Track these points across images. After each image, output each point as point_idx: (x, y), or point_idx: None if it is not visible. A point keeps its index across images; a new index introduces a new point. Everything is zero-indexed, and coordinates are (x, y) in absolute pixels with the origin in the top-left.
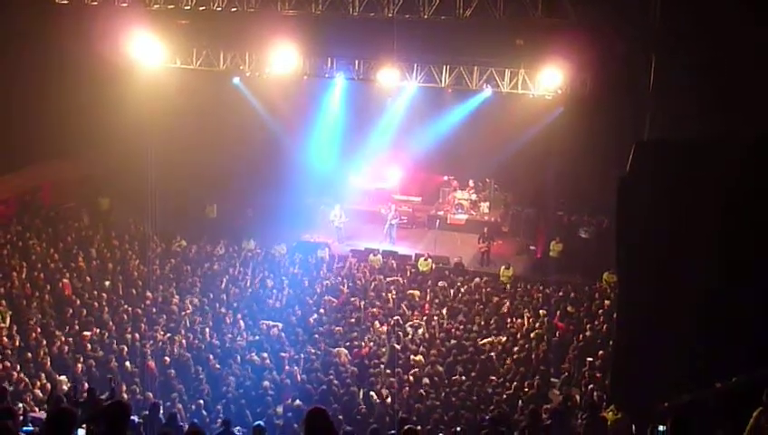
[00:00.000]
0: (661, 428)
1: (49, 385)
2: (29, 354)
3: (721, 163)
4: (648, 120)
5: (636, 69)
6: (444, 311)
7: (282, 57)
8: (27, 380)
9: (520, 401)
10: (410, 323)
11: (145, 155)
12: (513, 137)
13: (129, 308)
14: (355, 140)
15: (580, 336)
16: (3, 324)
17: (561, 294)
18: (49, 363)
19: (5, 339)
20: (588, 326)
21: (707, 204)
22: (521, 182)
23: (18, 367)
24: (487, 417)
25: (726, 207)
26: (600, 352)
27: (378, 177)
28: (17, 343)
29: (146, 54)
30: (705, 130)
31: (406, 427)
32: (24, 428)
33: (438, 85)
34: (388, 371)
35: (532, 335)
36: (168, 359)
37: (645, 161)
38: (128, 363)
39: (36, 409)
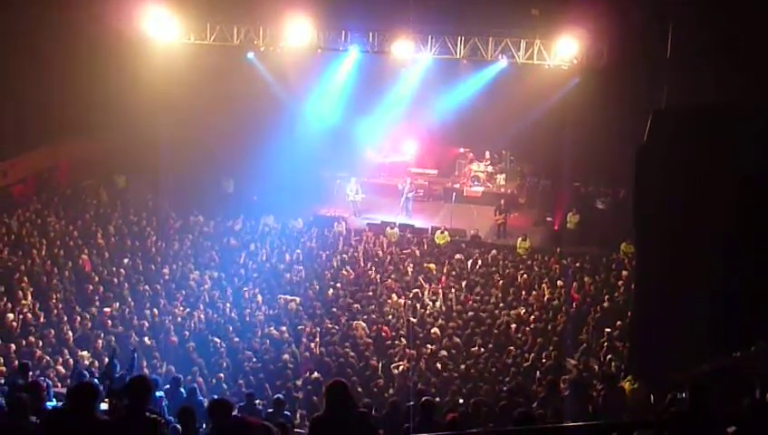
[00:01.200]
0: (682, 395)
1: (71, 361)
2: (51, 331)
3: (738, 131)
4: (665, 90)
5: (652, 37)
6: (461, 283)
7: (296, 30)
8: (49, 356)
9: (537, 372)
10: (427, 295)
11: (160, 131)
12: (529, 108)
13: (149, 284)
14: (370, 114)
15: (598, 307)
16: (25, 301)
17: (578, 265)
18: (71, 339)
19: (29, 315)
20: (605, 297)
21: (725, 172)
22: (537, 153)
23: (41, 343)
24: (505, 388)
25: (744, 175)
26: (618, 322)
27: (394, 150)
28: (40, 320)
29: (160, 30)
30: (722, 98)
31: (423, 398)
32: (48, 403)
33: (453, 57)
34: (405, 343)
35: (549, 307)
36: (187, 333)
37: (662, 130)
38: (147, 339)
39: (59, 384)
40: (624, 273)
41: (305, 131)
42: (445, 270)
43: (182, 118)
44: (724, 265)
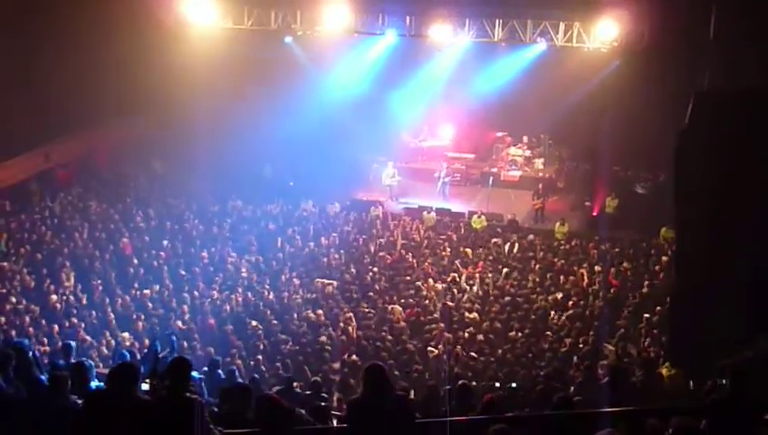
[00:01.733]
0: (723, 381)
1: (113, 342)
2: (93, 312)
3: None
4: (707, 73)
5: (695, 19)
6: (499, 268)
7: (332, 14)
8: (91, 337)
9: (575, 358)
10: (464, 280)
11: (198, 116)
12: (567, 91)
13: (188, 267)
14: (408, 98)
15: (637, 293)
16: (67, 283)
17: (616, 250)
18: (113, 321)
19: (71, 298)
20: (645, 283)
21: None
22: (576, 137)
23: (83, 324)
24: (542, 373)
25: None
26: (658, 308)
27: (431, 134)
28: (83, 302)
29: (198, 15)
30: (765, 82)
31: (460, 382)
32: (92, 383)
33: (491, 39)
34: (442, 327)
35: (587, 292)
36: (225, 316)
37: (704, 112)
38: (186, 321)
39: (101, 365)
40: (663, 258)
41: (342, 115)
42: (482, 255)
43: (220, 103)
44: (766, 251)
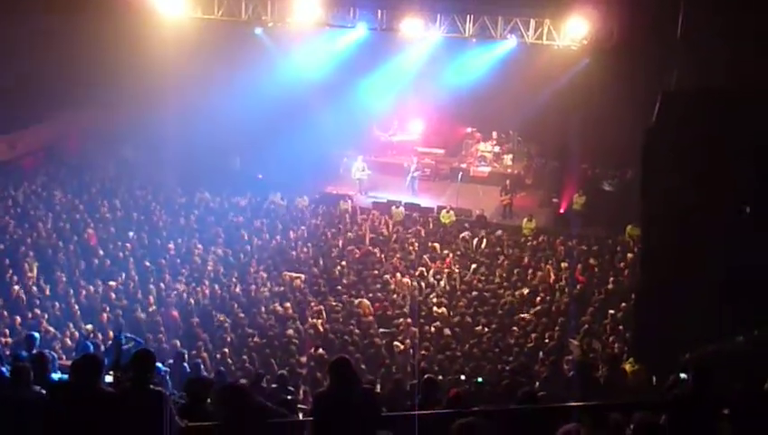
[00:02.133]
0: (683, 375)
1: (77, 334)
2: (57, 303)
3: (749, 115)
4: (675, 72)
5: (664, 17)
6: (466, 263)
7: (304, 6)
8: (55, 329)
9: (541, 353)
10: (432, 275)
11: (167, 106)
12: (537, 88)
13: (154, 258)
14: (378, 92)
15: (602, 289)
16: (30, 274)
17: (583, 247)
18: (77, 313)
19: (34, 289)
20: (610, 279)
21: (734, 156)
22: (545, 134)
23: (46, 316)
24: (508, 368)
25: (754, 159)
26: (622, 304)
27: (401, 129)
28: (46, 293)
29: (168, 4)
30: (733, 81)
31: (426, 376)
32: (53, 375)
33: (462, 35)
34: (410, 322)
35: (554, 288)
36: (191, 309)
37: (671, 112)
38: (151, 313)
39: (64, 357)
40: (629, 255)
41: (312, 108)
42: (450, 250)
43: (189, 93)
44: (731, 249)
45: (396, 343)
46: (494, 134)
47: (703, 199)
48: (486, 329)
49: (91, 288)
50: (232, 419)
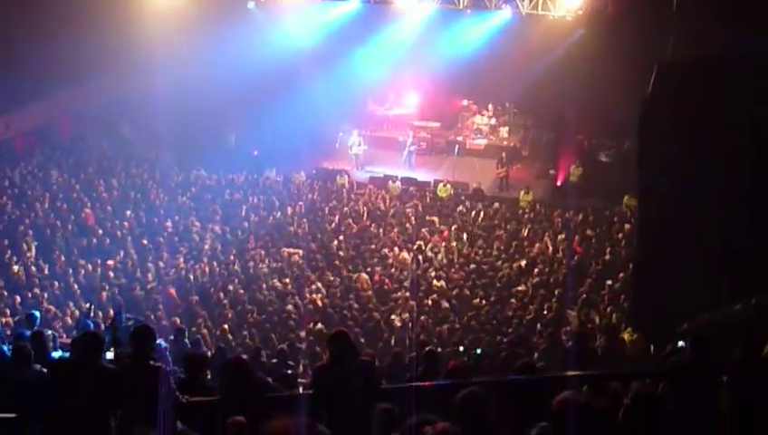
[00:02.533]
0: (681, 343)
1: (77, 313)
2: (56, 283)
3: (748, 82)
4: (670, 41)
5: None
6: (463, 236)
7: None
8: (55, 308)
9: (539, 324)
10: (430, 248)
11: (160, 83)
12: (533, 60)
13: (151, 237)
14: (372, 65)
15: (600, 260)
16: (29, 254)
17: (580, 218)
18: (77, 291)
19: (33, 268)
20: (607, 250)
21: (731, 126)
22: (541, 106)
23: (46, 295)
24: (506, 339)
25: (750, 129)
26: (621, 274)
27: (396, 102)
28: (45, 272)
29: None
30: (730, 49)
31: (427, 348)
32: (54, 353)
33: (456, 7)
34: (408, 295)
35: (551, 259)
36: (190, 286)
37: (667, 83)
38: (151, 290)
39: (65, 335)
40: (626, 226)
41: (306, 83)
42: (447, 223)
43: (182, 69)
44: (727, 219)
45: (394, 316)
46: (490, 107)
47: (700, 170)
48: (484, 302)
49: (90, 267)
50: (233, 393)
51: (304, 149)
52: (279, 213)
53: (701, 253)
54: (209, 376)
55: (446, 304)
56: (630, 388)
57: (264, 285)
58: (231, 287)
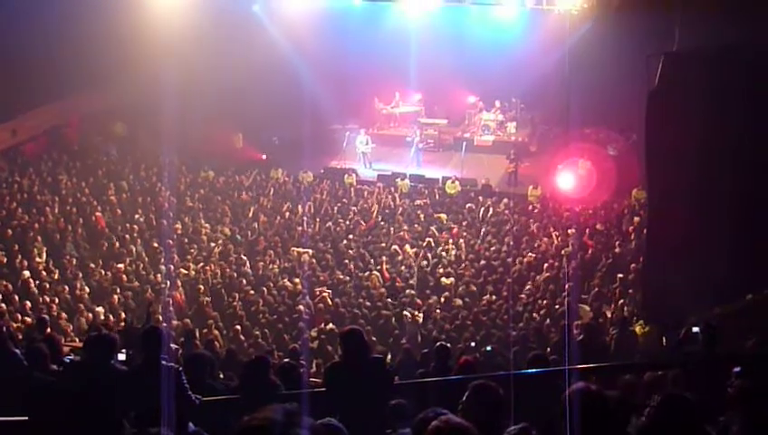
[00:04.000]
0: (695, 329)
1: (91, 316)
2: (66, 287)
3: (755, 72)
4: (677, 32)
5: None
6: (473, 232)
7: None
8: (65, 312)
9: (550, 319)
10: (439, 245)
11: (166, 84)
12: (539, 55)
13: (161, 239)
14: (379, 64)
15: (609, 253)
16: (39, 259)
17: (589, 211)
18: (87, 295)
19: (44, 273)
20: (617, 243)
21: (738, 116)
22: (548, 101)
23: (57, 300)
24: (515, 334)
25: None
26: (632, 265)
27: (403, 100)
28: (56, 277)
29: None
30: (735, 39)
31: (439, 344)
32: (66, 357)
33: (462, 3)
34: (418, 292)
35: (561, 253)
36: (201, 287)
37: (674, 72)
38: (161, 293)
39: (76, 339)
40: (636, 219)
41: (312, 83)
42: (457, 220)
43: (188, 71)
44: (737, 210)
45: (405, 313)
46: (497, 102)
47: (707, 161)
48: (495, 297)
49: (101, 271)
50: (251, 392)
51: (311, 149)
52: (288, 213)
53: (711, 244)
54: (220, 377)
55: (457, 301)
56: (644, 378)
57: (274, 285)
58: (242, 288)
